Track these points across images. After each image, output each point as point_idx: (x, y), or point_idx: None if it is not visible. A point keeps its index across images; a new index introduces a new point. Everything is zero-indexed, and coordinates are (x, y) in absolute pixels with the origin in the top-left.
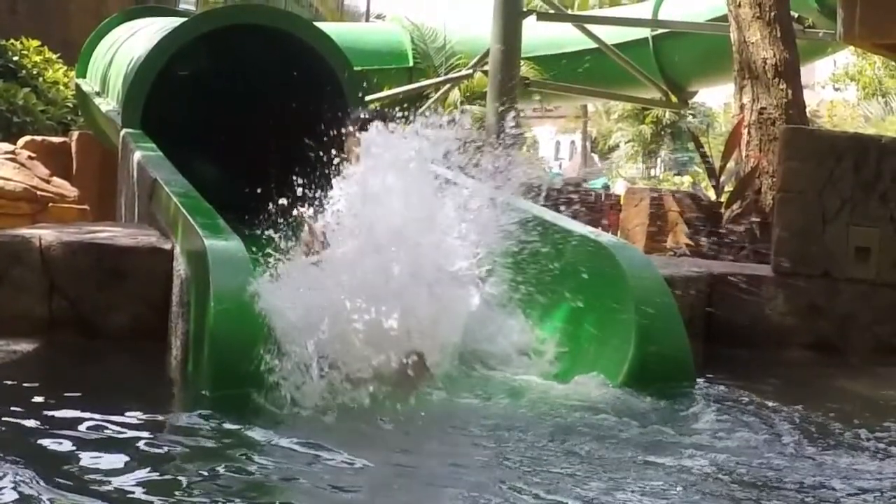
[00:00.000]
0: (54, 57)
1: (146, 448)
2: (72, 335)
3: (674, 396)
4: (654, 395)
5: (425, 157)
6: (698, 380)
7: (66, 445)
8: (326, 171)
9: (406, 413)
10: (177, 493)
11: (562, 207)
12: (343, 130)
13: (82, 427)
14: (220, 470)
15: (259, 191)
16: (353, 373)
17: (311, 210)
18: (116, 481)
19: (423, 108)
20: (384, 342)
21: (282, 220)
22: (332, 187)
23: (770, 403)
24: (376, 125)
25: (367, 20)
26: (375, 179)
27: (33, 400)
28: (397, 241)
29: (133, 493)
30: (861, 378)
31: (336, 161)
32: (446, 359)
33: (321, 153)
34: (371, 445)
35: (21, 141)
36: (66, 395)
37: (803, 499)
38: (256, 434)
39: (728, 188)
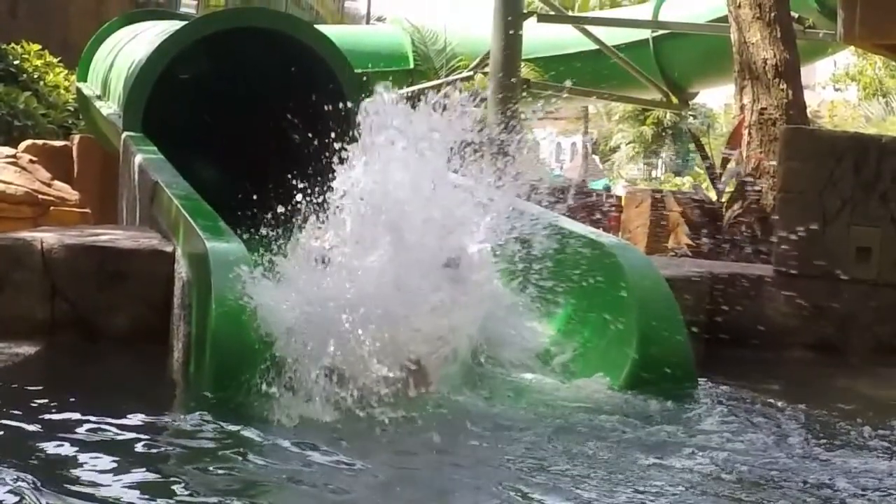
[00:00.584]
0: (55, 60)
1: (146, 450)
2: (73, 337)
3: (675, 397)
4: (655, 397)
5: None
6: (700, 380)
7: (67, 447)
8: (328, 175)
9: (407, 414)
10: (176, 495)
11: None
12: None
13: (83, 429)
14: (221, 472)
15: (255, 195)
16: (357, 376)
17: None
18: (117, 483)
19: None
20: (392, 342)
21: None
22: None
23: (773, 403)
24: None
25: (367, 22)
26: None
27: (34, 402)
28: (406, 224)
29: (133, 494)
30: (862, 378)
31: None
32: (460, 353)
33: (319, 151)
34: (372, 446)
35: (22, 145)
36: (67, 396)
37: (805, 499)
38: (257, 436)
39: (729, 189)
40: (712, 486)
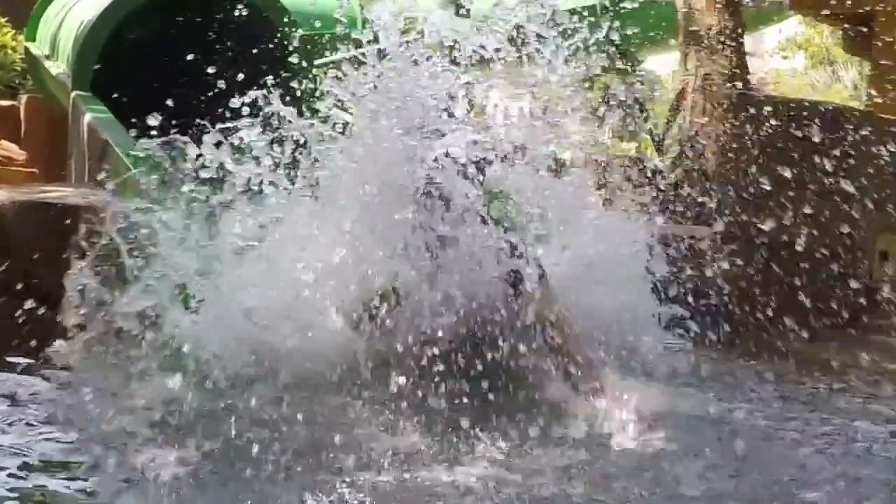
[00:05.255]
0: (3, 20)
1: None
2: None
3: None
4: None
5: None
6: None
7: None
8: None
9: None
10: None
11: None
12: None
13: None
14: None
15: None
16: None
17: None
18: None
19: None
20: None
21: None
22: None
23: (715, 365)
24: None
25: None
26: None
27: None
28: None
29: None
30: (801, 339)
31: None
32: None
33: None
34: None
35: None
36: None
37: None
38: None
39: (671, 154)
40: (668, 454)
